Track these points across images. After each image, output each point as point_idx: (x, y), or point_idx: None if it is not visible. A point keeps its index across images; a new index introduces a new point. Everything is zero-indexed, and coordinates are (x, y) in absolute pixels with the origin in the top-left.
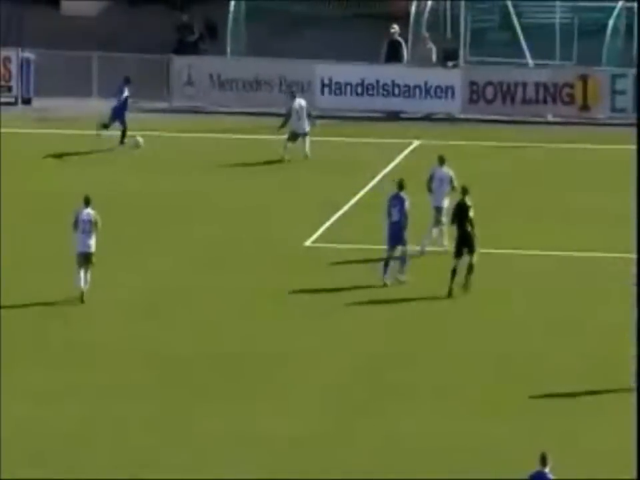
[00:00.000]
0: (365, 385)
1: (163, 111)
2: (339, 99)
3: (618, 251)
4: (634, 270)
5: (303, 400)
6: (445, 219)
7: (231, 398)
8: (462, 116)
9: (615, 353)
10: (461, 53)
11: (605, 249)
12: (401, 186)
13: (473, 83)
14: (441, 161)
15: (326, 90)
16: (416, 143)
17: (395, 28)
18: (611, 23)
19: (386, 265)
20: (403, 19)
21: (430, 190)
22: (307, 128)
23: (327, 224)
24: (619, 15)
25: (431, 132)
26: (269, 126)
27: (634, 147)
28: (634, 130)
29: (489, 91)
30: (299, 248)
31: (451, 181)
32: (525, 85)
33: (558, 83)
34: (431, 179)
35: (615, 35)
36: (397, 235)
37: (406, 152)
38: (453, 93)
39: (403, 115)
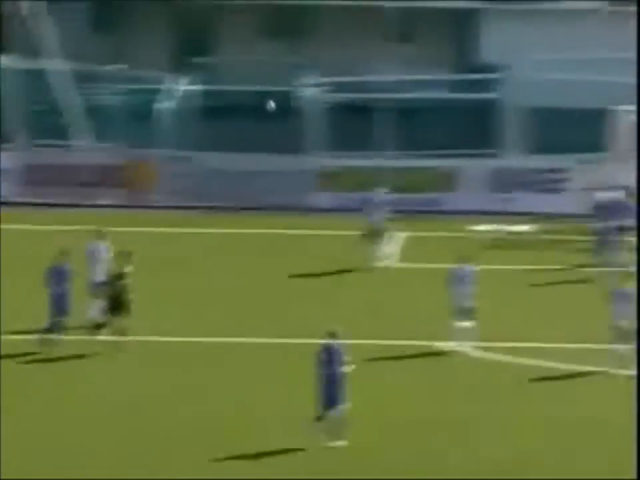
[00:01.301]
0: None
1: None
2: None
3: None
4: None
5: None
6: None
7: None
8: (18, 199)
9: None
10: (17, 135)
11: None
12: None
13: (28, 166)
14: (99, 235)
15: None
16: None
17: None
18: (161, 105)
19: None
20: None
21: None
22: None
23: None
24: (170, 98)
25: None
26: None
27: (197, 229)
28: (182, 212)
29: (44, 174)
30: None
31: (106, 252)
32: (79, 167)
33: (112, 165)
34: (88, 252)
35: (166, 117)
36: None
37: None
38: (7, 176)
39: None
